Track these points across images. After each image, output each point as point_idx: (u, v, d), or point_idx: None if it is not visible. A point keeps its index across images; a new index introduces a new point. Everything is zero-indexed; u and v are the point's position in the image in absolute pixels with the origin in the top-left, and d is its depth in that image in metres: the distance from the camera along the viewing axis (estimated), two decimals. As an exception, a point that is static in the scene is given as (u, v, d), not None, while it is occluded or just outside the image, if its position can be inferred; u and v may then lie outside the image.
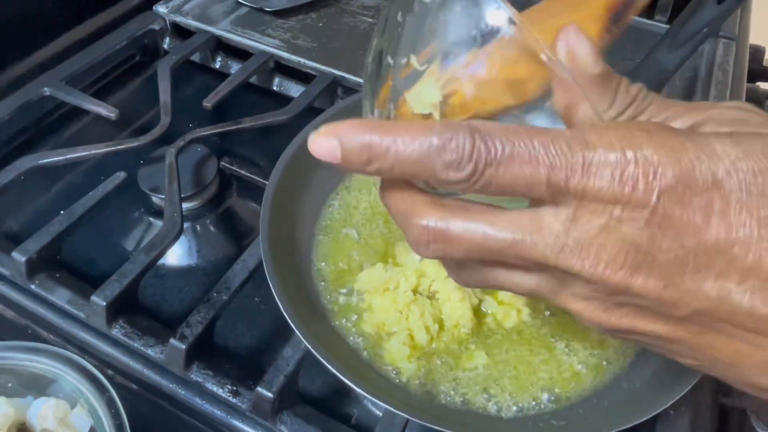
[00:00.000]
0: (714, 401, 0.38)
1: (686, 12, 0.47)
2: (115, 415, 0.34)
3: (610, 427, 0.30)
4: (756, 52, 0.73)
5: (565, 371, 0.36)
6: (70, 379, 0.36)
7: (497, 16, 0.23)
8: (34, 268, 0.41)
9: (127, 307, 0.40)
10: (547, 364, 0.36)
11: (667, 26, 0.61)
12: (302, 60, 0.59)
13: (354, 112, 0.46)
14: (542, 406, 0.34)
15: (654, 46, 0.47)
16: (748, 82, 0.66)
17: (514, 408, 0.34)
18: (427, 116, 0.25)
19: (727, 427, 0.48)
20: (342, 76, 0.58)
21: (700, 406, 0.36)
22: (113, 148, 0.49)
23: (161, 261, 0.45)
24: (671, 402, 0.31)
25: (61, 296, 0.41)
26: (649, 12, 0.69)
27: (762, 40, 0.75)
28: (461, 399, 0.34)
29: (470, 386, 0.35)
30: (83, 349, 0.40)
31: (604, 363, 0.36)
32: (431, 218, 0.23)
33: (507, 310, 0.37)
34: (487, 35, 0.23)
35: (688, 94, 0.58)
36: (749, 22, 0.72)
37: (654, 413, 0.31)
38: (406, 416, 0.31)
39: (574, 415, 0.33)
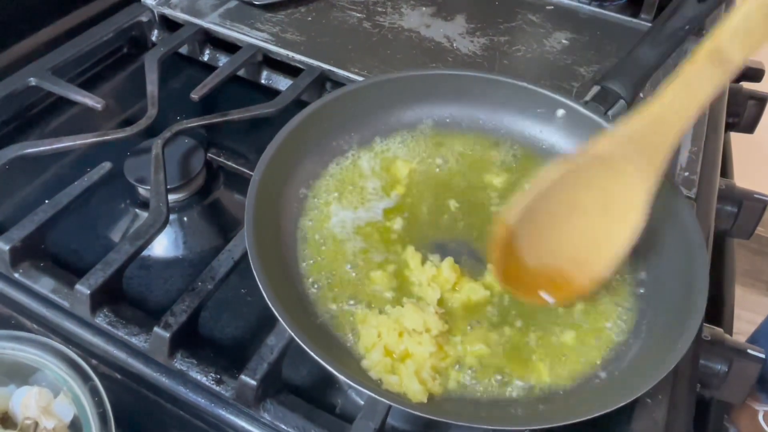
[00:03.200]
0: (691, 391, 0.39)
1: (668, 10, 0.48)
2: (98, 404, 0.35)
3: (588, 414, 0.31)
4: (740, 52, 0.74)
5: (543, 362, 0.36)
6: (54, 367, 0.36)
7: None
8: (17, 256, 0.41)
9: (111, 296, 0.40)
10: (524, 357, 0.36)
11: (651, 24, 0.62)
12: (290, 53, 0.59)
13: (340, 105, 0.47)
14: (524, 394, 0.35)
15: (636, 43, 0.48)
16: (732, 82, 0.67)
17: (493, 394, 0.35)
18: None
19: (706, 418, 0.48)
20: (330, 69, 0.58)
21: (677, 396, 0.37)
22: (99, 139, 0.49)
23: (147, 252, 0.46)
24: (647, 389, 0.31)
25: (44, 285, 0.41)
26: (634, 11, 0.70)
27: (746, 40, 0.76)
28: (441, 388, 0.35)
29: (447, 376, 0.35)
30: (67, 338, 0.40)
31: (580, 357, 0.36)
32: None
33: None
34: None
35: (671, 92, 0.59)
36: (733, 23, 0.73)
37: (630, 399, 0.31)
38: (389, 402, 0.32)
39: (554, 402, 0.34)
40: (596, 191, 0.36)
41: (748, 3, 0.32)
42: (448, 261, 0.40)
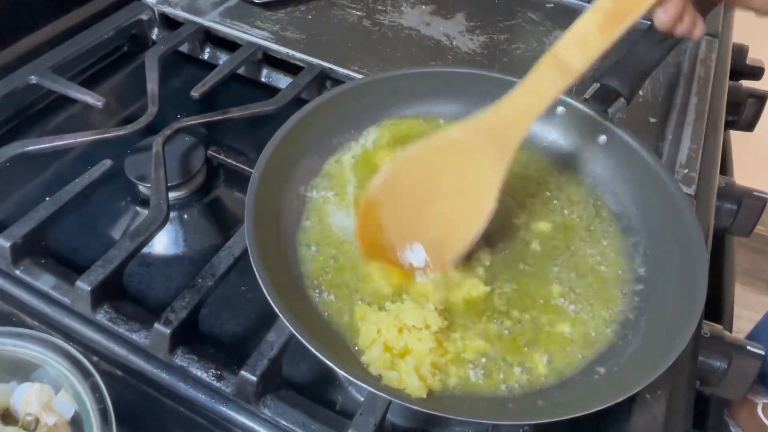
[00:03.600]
0: (690, 387, 0.39)
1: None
2: (99, 400, 0.35)
3: (586, 409, 0.31)
4: (740, 50, 0.75)
5: (542, 355, 0.36)
6: (55, 364, 0.36)
7: None
8: (18, 253, 0.41)
9: (111, 293, 0.40)
10: (523, 351, 0.37)
11: (650, 23, 0.62)
12: (290, 51, 0.59)
13: (340, 102, 0.47)
14: (523, 389, 0.35)
15: (636, 41, 0.48)
16: (731, 79, 0.67)
17: (492, 390, 0.35)
18: None
19: (706, 414, 0.49)
20: (330, 67, 0.58)
21: (676, 391, 0.37)
22: (100, 137, 0.49)
23: (148, 250, 0.46)
24: (646, 384, 0.31)
25: (45, 282, 0.41)
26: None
27: (746, 38, 0.76)
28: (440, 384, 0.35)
29: (448, 372, 0.35)
30: (68, 335, 0.40)
31: (579, 352, 0.36)
32: None
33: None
34: None
35: (670, 89, 0.59)
36: (733, 21, 0.73)
37: (629, 395, 0.31)
38: (388, 398, 0.32)
39: (554, 398, 0.34)
40: (452, 175, 0.40)
41: (587, 14, 0.36)
42: None
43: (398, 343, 0.35)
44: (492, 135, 0.38)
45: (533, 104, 0.38)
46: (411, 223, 0.40)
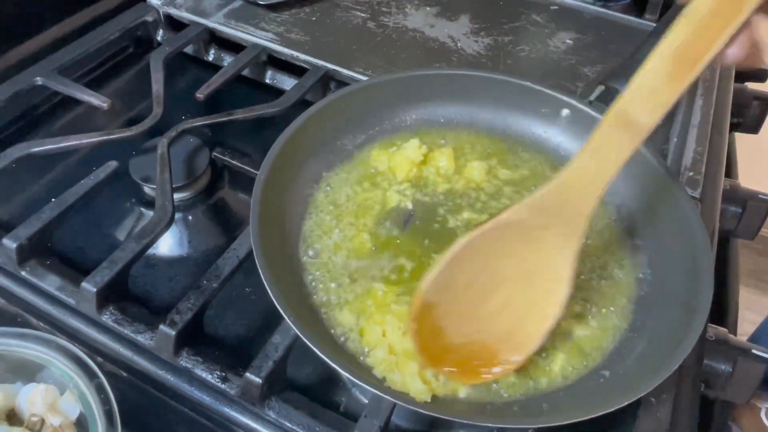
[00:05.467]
0: (695, 391, 0.39)
1: (673, 10, 0.48)
2: (104, 401, 0.35)
3: (591, 412, 0.31)
4: (744, 52, 0.74)
5: (549, 362, 0.36)
6: (60, 365, 0.36)
7: None
8: (24, 254, 0.42)
9: (117, 294, 0.40)
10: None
11: (655, 25, 0.62)
12: (295, 53, 0.59)
13: (344, 104, 0.47)
14: (528, 393, 0.35)
15: (641, 44, 0.48)
16: (737, 82, 0.67)
17: (498, 393, 0.35)
18: None
19: (710, 418, 0.48)
20: (334, 69, 0.58)
21: (681, 395, 0.37)
22: (105, 138, 0.49)
23: (152, 251, 0.46)
24: (651, 388, 0.31)
25: (51, 283, 0.41)
26: (639, 11, 0.70)
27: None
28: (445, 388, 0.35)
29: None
30: (73, 336, 0.41)
31: (584, 355, 0.36)
32: None
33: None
34: None
35: (675, 92, 0.59)
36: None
37: (634, 398, 0.31)
38: (393, 400, 0.32)
39: (559, 401, 0.34)
40: (514, 260, 0.35)
41: (651, 61, 0.31)
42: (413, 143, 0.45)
43: (402, 346, 0.35)
44: (558, 212, 0.34)
45: (601, 171, 0.33)
46: (474, 321, 0.35)
